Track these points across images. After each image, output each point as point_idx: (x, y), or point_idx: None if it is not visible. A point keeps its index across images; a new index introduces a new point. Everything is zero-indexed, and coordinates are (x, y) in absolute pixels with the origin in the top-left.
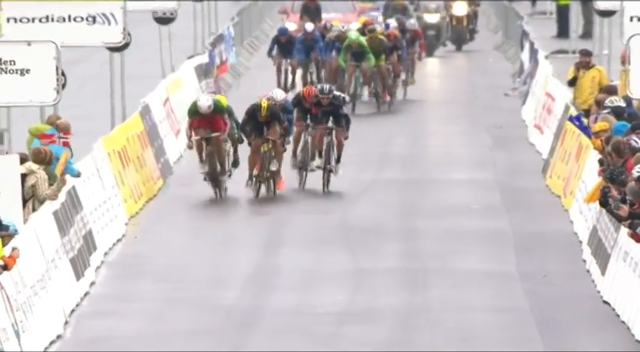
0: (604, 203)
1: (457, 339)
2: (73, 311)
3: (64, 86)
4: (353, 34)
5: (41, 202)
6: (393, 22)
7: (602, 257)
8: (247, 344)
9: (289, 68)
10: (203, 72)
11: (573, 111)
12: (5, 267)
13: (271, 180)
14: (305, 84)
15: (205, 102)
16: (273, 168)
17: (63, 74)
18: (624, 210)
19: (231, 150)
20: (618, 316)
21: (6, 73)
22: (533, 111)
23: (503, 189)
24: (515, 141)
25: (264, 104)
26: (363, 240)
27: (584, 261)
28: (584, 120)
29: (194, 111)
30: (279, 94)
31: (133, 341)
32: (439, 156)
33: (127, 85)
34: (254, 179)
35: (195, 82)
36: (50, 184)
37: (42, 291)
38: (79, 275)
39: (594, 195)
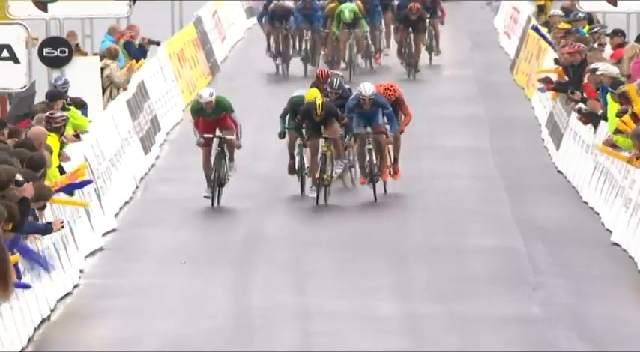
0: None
1: (444, 200)
2: (142, 178)
3: (134, 2)
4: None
5: (117, 88)
6: None
7: (557, 136)
8: (276, 203)
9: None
10: None
11: (535, 22)
12: (78, 136)
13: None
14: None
15: (206, 91)
16: (338, 169)
17: None
18: (577, 95)
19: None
20: (569, 182)
21: None
22: (503, 21)
23: (479, 82)
24: (489, 45)
25: (319, 102)
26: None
27: (543, 139)
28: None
29: (197, 109)
30: (368, 89)
31: (190, 201)
32: (429, 57)
33: (184, 1)
34: (318, 183)
35: None
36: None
37: (118, 163)
38: (146, 150)
39: (546, 71)
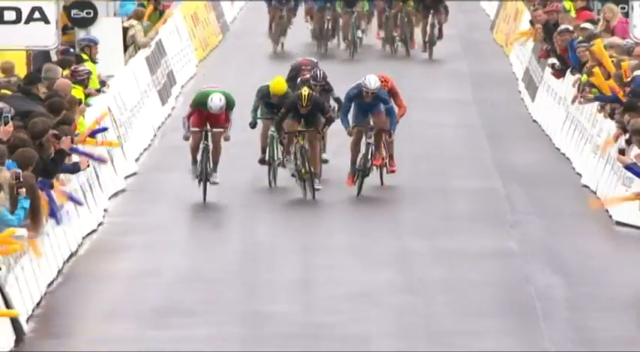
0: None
1: (430, 147)
2: (159, 127)
3: None
4: None
5: (139, 48)
6: None
7: (532, 89)
8: None
9: (285, 16)
10: None
11: None
12: (99, 90)
13: (311, 180)
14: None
15: (217, 103)
16: (319, 187)
17: None
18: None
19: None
20: (543, 131)
21: None
22: None
23: (462, 41)
24: (471, 7)
25: (305, 92)
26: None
27: (520, 91)
28: None
29: (200, 104)
30: (373, 82)
31: None
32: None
33: None
34: (299, 178)
35: None
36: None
37: (138, 113)
38: (163, 102)
39: (523, 33)
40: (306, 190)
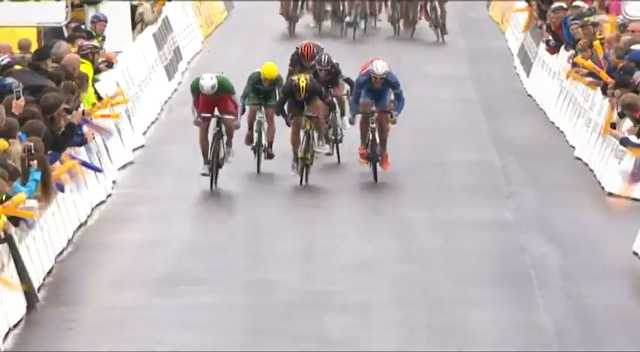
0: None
1: (428, 120)
2: (166, 101)
3: None
4: None
5: (147, 25)
6: None
7: (527, 64)
8: (284, 128)
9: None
10: None
11: None
12: (111, 65)
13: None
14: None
15: (209, 82)
16: (319, 149)
17: None
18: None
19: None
20: (538, 105)
21: None
22: None
23: (459, 18)
24: None
25: (303, 83)
26: (366, 55)
27: (515, 67)
28: None
29: (197, 88)
30: (380, 67)
31: None
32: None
33: None
34: (299, 162)
35: None
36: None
37: (145, 88)
38: (170, 77)
39: (520, 11)
40: (302, 177)
